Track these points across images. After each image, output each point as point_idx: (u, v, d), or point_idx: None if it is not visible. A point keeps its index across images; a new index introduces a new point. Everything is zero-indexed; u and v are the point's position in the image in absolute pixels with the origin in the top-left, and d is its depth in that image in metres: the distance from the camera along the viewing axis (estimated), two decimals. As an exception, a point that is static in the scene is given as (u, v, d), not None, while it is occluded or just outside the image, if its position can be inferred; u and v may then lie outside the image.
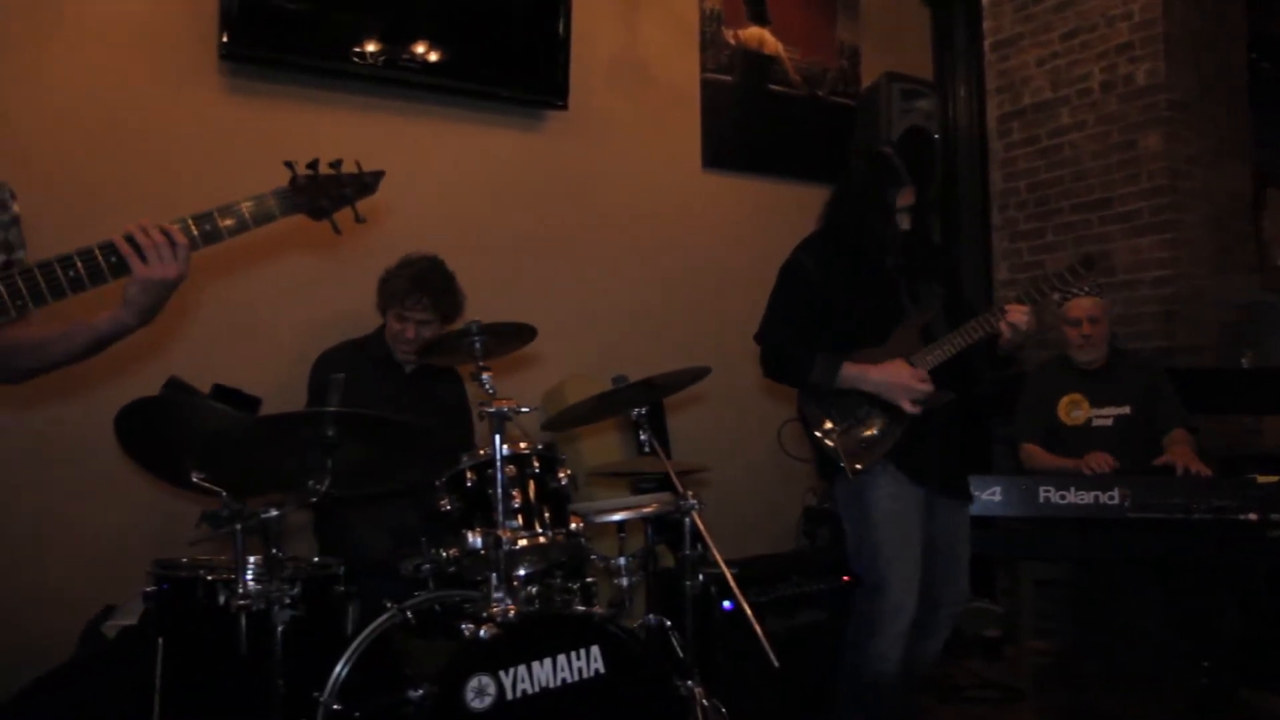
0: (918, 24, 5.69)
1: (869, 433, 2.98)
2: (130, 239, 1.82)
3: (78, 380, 3.21)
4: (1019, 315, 2.95)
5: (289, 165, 1.99)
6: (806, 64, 5.18)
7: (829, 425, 3.02)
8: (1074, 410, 4.06)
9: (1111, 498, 3.50)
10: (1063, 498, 3.56)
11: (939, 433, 3.02)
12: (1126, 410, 3.99)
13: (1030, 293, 3.02)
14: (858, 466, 2.95)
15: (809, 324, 3.04)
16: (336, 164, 2.03)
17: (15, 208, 1.97)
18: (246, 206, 1.92)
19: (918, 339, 3.04)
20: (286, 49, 3.67)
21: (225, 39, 3.53)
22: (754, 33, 5.01)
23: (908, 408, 2.93)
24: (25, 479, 3.28)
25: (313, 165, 2.00)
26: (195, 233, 1.88)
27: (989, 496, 3.58)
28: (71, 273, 1.77)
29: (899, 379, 2.94)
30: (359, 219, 2.07)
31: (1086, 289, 3.03)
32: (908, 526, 2.97)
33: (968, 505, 3.15)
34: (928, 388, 2.94)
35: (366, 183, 2.07)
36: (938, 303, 3.10)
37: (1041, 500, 3.57)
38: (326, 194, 2.01)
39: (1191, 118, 4.79)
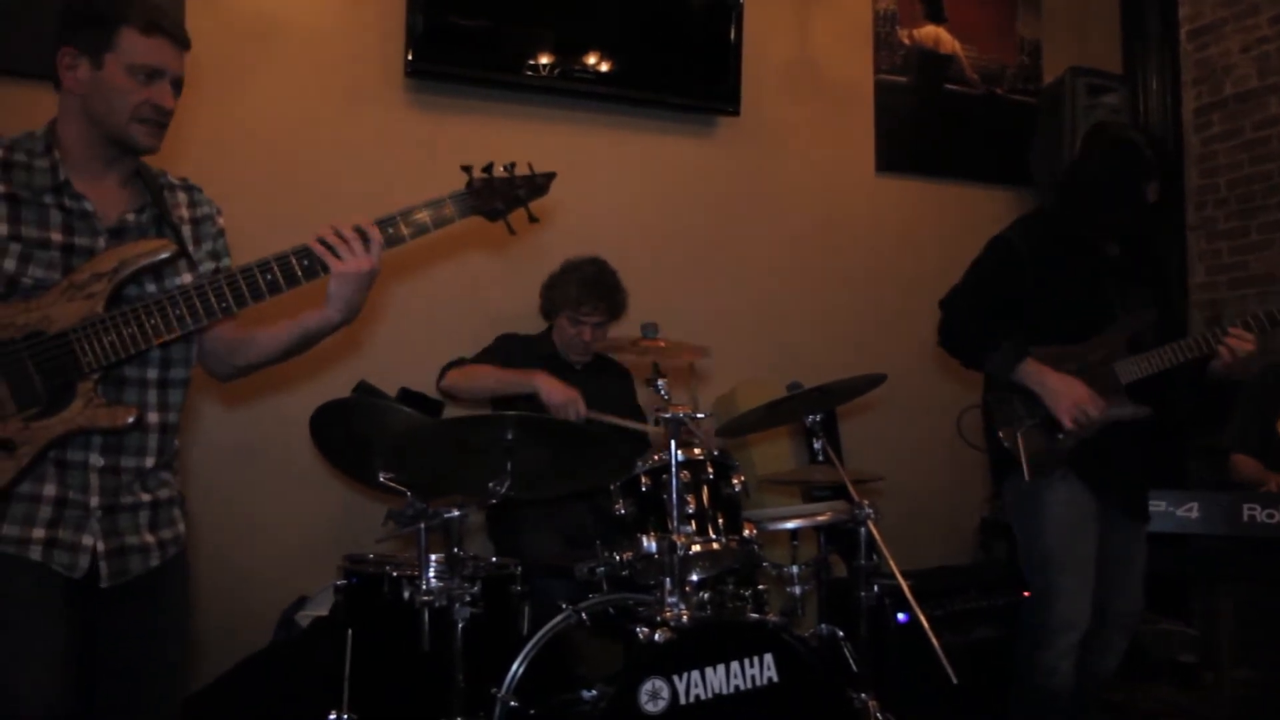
0: (1105, 14, 5.40)
1: (1053, 435, 2.80)
2: (322, 240, 1.92)
3: (277, 382, 3.42)
4: (1243, 342, 2.73)
5: (465, 169, 2.06)
6: (985, 61, 5.00)
7: (1014, 419, 2.84)
8: None
9: (1329, 518, 3.24)
10: (1270, 516, 3.30)
11: (1125, 447, 2.84)
12: None
13: (1265, 317, 2.78)
14: (1034, 473, 2.78)
15: (1004, 304, 2.87)
16: (510, 167, 2.09)
17: (220, 221, 2.13)
18: (426, 211, 1.99)
19: (1124, 346, 2.85)
20: (466, 64, 3.82)
21: (410, 56, 3.70)
22: (929, 31, 4.88)
23: (1066, 423, 2.74)
24: (233, 473, 3.50)
25: (487, 169, 2.06)
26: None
27: (1185, 513, 3.36)
28: (269, 276, 1.89)
29: (1074, 393, 2.74)
30: (532, 219, 2.11)
31: None
32: (1081, 535, 2.81)
33: (1145, 524, 2.95)
34: (1099, 416, 2.75)
35: (539, 184, 2.11)
36: (1150, 312, 2.89)
37: (1245, 519, 3.32)
38: (501, 196, 2.07)
39: None
